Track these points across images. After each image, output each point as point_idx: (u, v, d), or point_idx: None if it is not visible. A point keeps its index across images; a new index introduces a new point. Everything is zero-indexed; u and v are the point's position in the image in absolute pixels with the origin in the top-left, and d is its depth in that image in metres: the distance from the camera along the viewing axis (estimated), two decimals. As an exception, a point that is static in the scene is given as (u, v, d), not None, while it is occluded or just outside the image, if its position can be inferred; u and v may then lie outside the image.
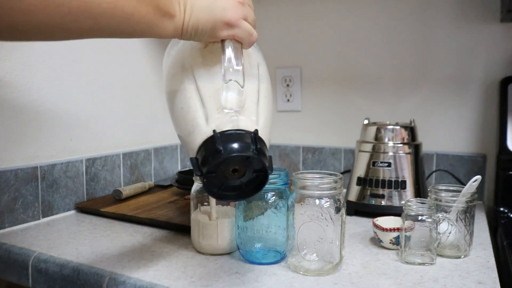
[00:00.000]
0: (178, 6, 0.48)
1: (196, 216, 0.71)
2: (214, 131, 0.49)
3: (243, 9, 0.52)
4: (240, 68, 0.52)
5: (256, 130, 0.50)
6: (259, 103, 0.55)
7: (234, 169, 0.51)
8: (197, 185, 0.72)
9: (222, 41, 0.53)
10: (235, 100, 0.51)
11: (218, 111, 0.51)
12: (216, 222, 0.70)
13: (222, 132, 0.49)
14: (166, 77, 0.61)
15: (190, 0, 0.50)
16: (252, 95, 0.55)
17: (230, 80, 0.51)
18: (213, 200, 0.71)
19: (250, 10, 0.54)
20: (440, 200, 0.72)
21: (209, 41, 0.55)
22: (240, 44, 0.54)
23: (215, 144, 0.48)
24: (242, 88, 0.52)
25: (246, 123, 0.51)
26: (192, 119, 0.53)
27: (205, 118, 0.52)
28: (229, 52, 0.52)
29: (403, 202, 0.88)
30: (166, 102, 0.61)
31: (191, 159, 0.51)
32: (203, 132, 0.51)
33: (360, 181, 0.95)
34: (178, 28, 0.49)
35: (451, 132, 1.12)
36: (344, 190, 0.87)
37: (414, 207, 0.68)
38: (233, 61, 0.52)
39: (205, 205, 0.72)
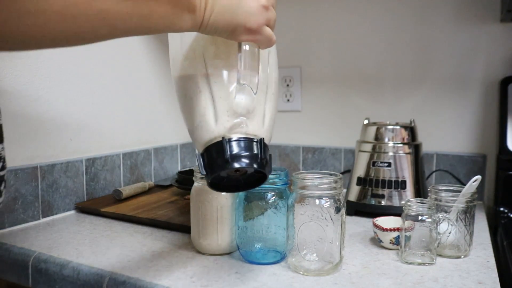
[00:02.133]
0: (199, 1, 0.46)
1: (197, 216, 0.71)
2: (223, 138, 0.50)
3: (267, 14, 0.50)
4: (255, 73, 0.52)
5: (262, 139, 0.52)
6: (266, 102, 0.55)
7: (236, 169, 0.53)
8: (197, 185, 0.72)
9: (239, 42, 0.52)
10: (247, 105, 0.52)
11: (227, 114, 0.51)
12: (216, 222, 0.70)
13: (231, 140, 0.50)
14: (175, 59, 0.59)
15: None
16: (261, 96, 0.55)
17: (244, 84, 0.51)
18: (213, 200, 0.71)
19: (273, 12, 0.52)
20: (440, 200, 0.72)
21: None
22: (258, 47, 0.52)
23: (224, 153, 0.49)
24: (254, 94, 0.52)
25: (254, 127, 0.52)
26: (202, 114, 0.52)
27: (214, 118, 0.52)
28: (246, 56, 0.51)
29: (403, 202, 0.88)
30: (174, 84, 0.59)
31: (197, 155, 0.52)
32: (211, 131, 0.51)
33: (360, 181, 0.95)
34: (196, 24, 0.47)
35: (451, 132, 1.12)
36: (344, 190, 0.87)
37: (414, 207, 0.68)
38: (249, 66, 0.51)
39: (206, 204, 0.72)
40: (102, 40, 0.41)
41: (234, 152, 0.50)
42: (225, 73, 0.53)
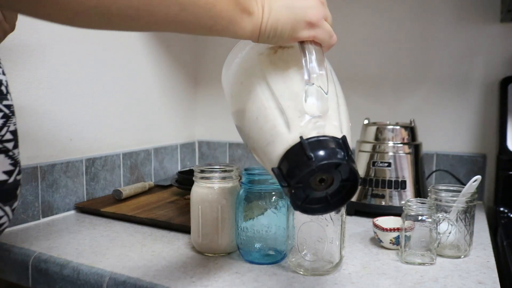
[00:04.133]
0: (256, 4, 0.45)
1: (197, 216, 0.71)
2: (301, 137, 0.46)
3: (324, 8, 0.49)
4: (323, 72, 0.49)
5: (344, 136, 0.47)
6: (339, 108, 0.51)
7: (321, 179, 0.47)
8: (197, 184, 0.72)
9: (301, 43, 0.49)
10: (319, 105, 0.48)
11: (300, 118, 0.47)
12: (217, 222, 0.70)
13: (309, 139, 0.45)
14: (232, 93, 0.57)
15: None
16: (332, 99, 0.51)
17: (313, 84, 0.48)
18: (213, 201, 0.71)
19: (328, 10, 0.51)
20: (440, 200, 0.72)
21: (282, 45, 0.52)
22: (321, 46, 0.50)
23: (306, 151, 0.44)
24: (326, 94, 0.48)
25: (331, 130, 0.47)
26: (271, 128, 0.48)
27: (286, 126, 0.48)
28: (311, 54, 0.49)
29: (403, 202, 0.88)
30: (234, 119, 0.57)
31: (273, 169, 0.47)
32: (285, 140, 0.47)
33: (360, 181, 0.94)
34: (256, 27, 0.46)
35: (451, 132, 1.12)
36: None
37: (414, 207, 0.68)
38: (316, 64, 0.48)
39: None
40: (169, 25, 0.40)
41: (316, 149, 0.44)
42: (288, 80, 0.50)
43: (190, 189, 0.73)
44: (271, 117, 0.49)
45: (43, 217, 0.92)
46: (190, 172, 0.78)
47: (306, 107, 0.47)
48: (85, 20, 0.36)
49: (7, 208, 0.54)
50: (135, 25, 0.38)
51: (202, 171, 0.71)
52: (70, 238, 0.80)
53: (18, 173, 0.56)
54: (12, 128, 0.54)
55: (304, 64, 0.49)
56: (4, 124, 0.53)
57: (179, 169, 1.36)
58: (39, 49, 0.92)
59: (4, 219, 0.54)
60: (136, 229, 0.85)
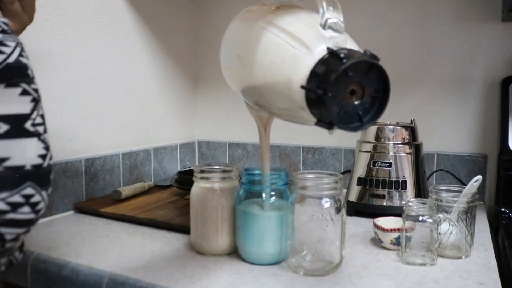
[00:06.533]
0: None
1: (196, 216, 0.71)
2: (328, 48, 0.45)
3: None
4: (337, 4, 0.49)
5: (368, 51, 0.46)
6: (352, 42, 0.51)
7: (352, 90, 0.46)
8: (197, 185, 0.71)
9: None
10: (339, 23, 0.48)
11: (319, 39, 0.47)
12: (216, 222, 0.69)
13: (338, 48, 0.45)
14: (239, 52, 0.56)
15: None
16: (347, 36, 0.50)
17: (329, 18, 0.48)
18: (213, 201, 0.70)
19: None
20: (441, 201, 0.72)
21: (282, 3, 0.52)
22: None
23: (338, 54, 0.44)
24: (342, 24, 0.48)
25: (353, 47, 0.47)
26: (291, 54, 0.47)
27: (306, 49, 0.47)
28: None
29: (403, 202, 0.88)
30: (240, 85, 0.56)
31: (303, 87, 0.46)
32: (307, 61, 0.46)
33: (361, 181, 0.94)
34: None
35: (452, 132, 1.12)
36: (344, 190, 0.87)
37: (415, 207, 0.68)
38: None
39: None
40: None
41: (346, 55, 0.44)
42: (300, 20, 0.50)
43: (189, 189, 0.73)
44: (286, 46, 0.48)
45: (42, 217, 0.92)
46: (190, 172, 0.78)
47: (326, 33, 0.47)
48: None
49: (44, 193, 0.54)
50: None
51: (202, 171, 0.71)
52: (69, 239, 0.80)
53: (50, 158, 0.56)
54: (41, 112, 0.54)
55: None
56: (34, 108, 0.53)
57: (179, 169, 1.36)
58: (38, 48, 0.91)
59: (42, 204, 0.55)
60: (135, 230, 0.85)
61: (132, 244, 0.77)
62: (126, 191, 1.03)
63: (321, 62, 0.45)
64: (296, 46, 0.47)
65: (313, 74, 0.45)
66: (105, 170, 1.08)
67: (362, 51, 0.47)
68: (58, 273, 0.68)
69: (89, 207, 0.96)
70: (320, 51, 0.46)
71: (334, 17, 0.48)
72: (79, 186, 1.00)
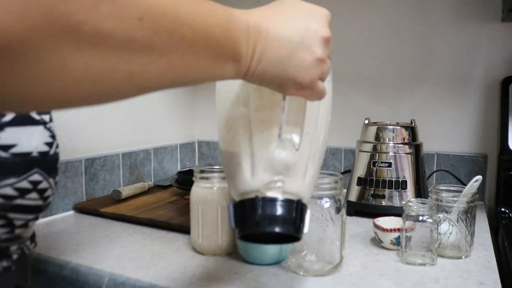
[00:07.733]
0: (246, 48, 0.39)
1: (196, 216, 0.71)
2: (256, 196, 0.47)
3: (321, 67, 0.43)
4: (299, 129, 0.48)
5: (300, 201, 0.47)
6: (310, 157, 0.50)
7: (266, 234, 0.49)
8: (197, 185, 0.71)
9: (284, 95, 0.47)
10: (287, 162, 0.48)
11: (265, 169, 0.48)
12: (216, 222, 0.69)
13: (265, 199, 0.46)
14: (220, 100, 0.56)
15: (262, 43, 0.40)
16: (305, 151, 0.50)
17: (285, 140, 0.48)
18: (213, 201, 0.70)
19: (328, 64, 0.45)
20: (441, 201, 0.72)
21: None
22: (305, 100, 0.48)
23: (256, 213, 0.46)
24: (296, 151, 0.48)
25: (293, 184, 0.48)
26: (238, 163, 0.49)
27: (251, 170, 0.48)
28: (290, 110, 0.48)
29: (403, 202, 0.87)
30: (218, 126, 0.57)
31: (229, 205, 0.48)
32: (247, 183, 0.48)
33: (361, 181, 0.94)
34: (241, 73, 0.41)
35: (452, 132, 1.12)
36: (344, 190, 0.87)
37: (415, 207, 0.68)
38: (293, 121, 0.48)
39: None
40: (126, 99, 0.35)
41: (267, 213, 0.46)
42: (266, 126, 0.49)
43: (189, 190, 0.73)
44: (242, 155, 0.49)
45: (42, 217, 0.92)
46: (190, 172, 0.78)
47: (273, 160, 0.48)
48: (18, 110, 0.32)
49: (51, 181, 0.54)
50: (83, 106, 0.33)
51: (202, 171, 0.71)
52: (69, 239, 0.80)
53: (57, 147, 0.56)
54: None
55: (281, 116, 0.47)
56: None
57: (179, 169, 1.35)
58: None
59: (49, 191, 0.55)
60: (135, 230, 0.85)
61: (132, 244, 0.77)
62: (126, 191, 1.03)
63: (246, 203, 0.47)
64: (246, 161, 0.49)
65: (239, 204, 0.48)
66: (105, 170, 1.07)
67: (295, 197, 0.47)
68: (58, 273, 0.68)
69: (89, 207, 0.96)
70: (259, 184, 0.47)
71: (289, 138, 0.48)
72: (79, 186, 1.00)
